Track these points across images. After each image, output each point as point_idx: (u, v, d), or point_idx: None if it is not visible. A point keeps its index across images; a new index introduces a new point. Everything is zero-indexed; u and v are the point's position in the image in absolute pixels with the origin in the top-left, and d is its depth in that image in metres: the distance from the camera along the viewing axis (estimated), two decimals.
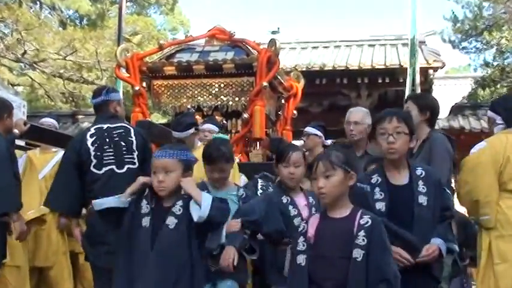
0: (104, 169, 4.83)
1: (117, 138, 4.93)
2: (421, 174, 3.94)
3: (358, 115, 5.87)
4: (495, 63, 21.68)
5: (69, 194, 4.96)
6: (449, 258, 4.92)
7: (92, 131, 4.96)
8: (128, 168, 4.88)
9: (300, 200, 4.50)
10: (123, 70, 7.91)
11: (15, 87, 19.83)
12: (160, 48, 8.34)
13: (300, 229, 3.48)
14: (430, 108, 5.22)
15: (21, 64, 20.11)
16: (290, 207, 4.43)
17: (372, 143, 6.44)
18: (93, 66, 18.88)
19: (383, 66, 14.17)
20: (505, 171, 4.74)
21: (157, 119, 14.76)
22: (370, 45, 16.18)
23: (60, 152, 6.71)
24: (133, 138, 4.97)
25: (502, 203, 4.71)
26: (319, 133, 7.17)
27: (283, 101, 8.55)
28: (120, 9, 14.19)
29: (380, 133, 3.94)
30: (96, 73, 19.25)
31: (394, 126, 3.88)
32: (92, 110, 5.98)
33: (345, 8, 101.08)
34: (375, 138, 4.01)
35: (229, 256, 4.11)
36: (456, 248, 4.10)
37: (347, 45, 16.38)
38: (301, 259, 3.35)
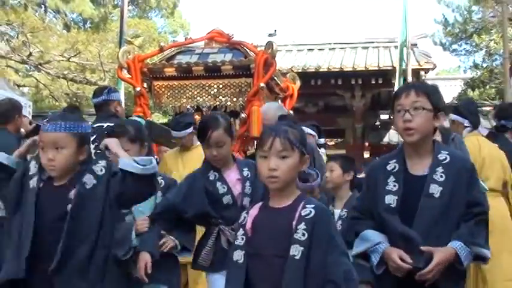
0: None
1: None
2: (445, 159, 3.08)
3: (271, 113, 5.40)
4: (484, 65, 21.80)
5: None
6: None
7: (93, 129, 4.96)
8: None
9: (231, 175, 3.83)
10: (125, 71, 7.87)
11: (21, 88, 19.89)
12: (161, 50, 8.31)
13: (240, 219, 2.85)
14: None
15: (27, 66, 20.16)
16: (218, 184, 3.78)
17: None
18: (96, 67, 18.86)
19: (376, 68, 14.18)
20: (482, 172, 4.78)
21: (158, 118, 14.74)
22: (363, 48, 16.19)
23: None
24: None
25: None
26: (313, 132, 7.18)
27: (279, 102, 8.53)
28: (122, 12, 14.17)
29: (396, 111, 3.14)
30: (99, 74, 19.23)
31: (412, 101, 3.06)
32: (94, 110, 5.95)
33: (340, 11, 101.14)
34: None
35: (141, 265, 3.63)
36: (488, 254, 3.06)
37: (341, 48, 16.39)
38: (238, 255, 2.74)
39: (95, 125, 5.01)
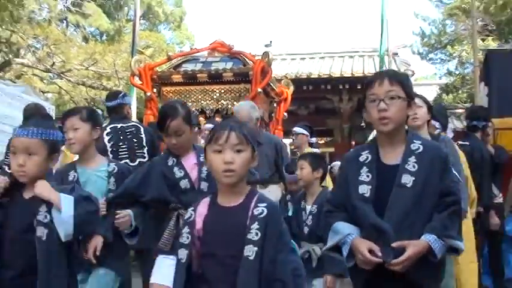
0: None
1: (129, 136, 4.92)
2: (418, 149, 2.75)
3: (243, 112, 5.18)
4: (457, 72, 21.84)
5: None
6: (451, 261, 3.88)
7: (108, 129, 4.96)
8: (139, 161, 4.87)
9: (190, 159, 3.54)
10: (137, 78, 7.85)
11: (45, 94, 19.87)
12: (169, 59, 8.29)
13: (186, 216, 2.54)
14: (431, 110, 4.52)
15: (51, 74, 20.20)
16: (175, 169, 3.47)
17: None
18: (112, 75, 18.82)
19: (361, 74, 14.15)
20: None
21: None
22: (350, 57, 16.17)
23: None
24: (143, 136, 4.97)
25: None
26: (306, 132, 7.18)
27: (275, 105, 8.49)
28: (134, 26, 14.15)
29: (370, 100, 2.79)
30: (114, 81, 19.19)
31: (386, 90, 2.74)
32: None
33: (329, 24, 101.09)
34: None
35: (92, 245, 3.40)
36: (461, 245, 2.73)
37: (330, 56, 16.37)
38: (182, 254, 2.44)
39: (110, 126, 4.99)
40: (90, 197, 2.92)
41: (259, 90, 7.23)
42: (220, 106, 7.63)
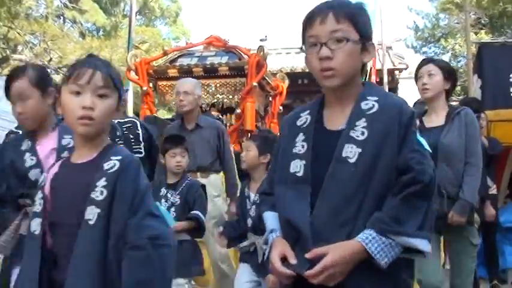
0: None
1: (126, 132, 4.87)
2: (371, 108, 1.90)
3: (188, 85, 4.90)
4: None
5: None
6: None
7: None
8: (136, 157, 4.83)
9: (47, 143, 2.74)
10: (133, 73, 7.81)
11: None
12: (165, 53, 8.24)
13: (40, 180, 2.03)
14: (453, 76, 3.88)
15: (48, 70, 20.07)
16: (27, 155, 2.69)
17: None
18: None
19: None
20: None
21: (163, 114, 14.67)
22: None
23: None
24: (140, 131, 4.91)
25: None
26: None
27: (270, 99, 8.47)
28: (130, 21, 14.06)
29: (309, 45, 1.94)
30: None
31: (330, 30, 1.88)
32: None
33: None
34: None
35: None
36: (422, 245, 1.79)
37: None
38: (35, 225, 1.91)
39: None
40: None
41: (255, 84, 7.20)
42: (215, 100, 7.61)
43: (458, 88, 19.73)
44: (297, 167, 1.92)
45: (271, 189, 2.10)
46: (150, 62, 7.90)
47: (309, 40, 1.94)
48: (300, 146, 1.95)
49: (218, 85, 7.57)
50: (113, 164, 1.87)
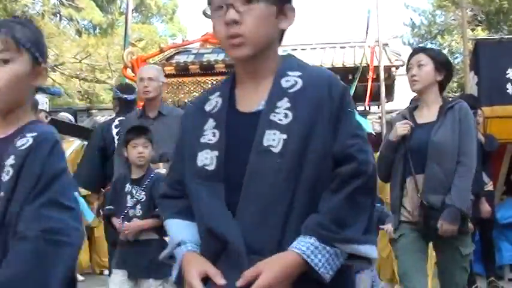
0: None
1: None
2: (293, 85, 1.57)
3: (152, 71, 4.73)
4: None
5: (91, 173, 4.97)
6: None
7: (117, 122, 4.98)
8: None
9: None
10: (130, 70, 7.80)
11: None
12: (161, 51, 8.25)
13: None
14: (446, 67, 3.57)
15: None
16: None
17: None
18: (105, 68, 18.83)
19: (352, 65, 14.11)
20: None
21: None
22: (341, 47, 16.10)
23: (76, 141, 6.62)
24: None
25: None
26: None
27: None
28: (126, 18, 14.02)
29: (214, 8, 1.61)
30: (107, 74, 19.17)
31: None
32: (103, 105, 5.90)
33: (320, 16, 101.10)
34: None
35: None
36: (369, 251, 1.51)
37: (322, 48, 16.30)
38: None
39: (119, 118, 5.01)
40: None
41: None
42: None
43: (455, 85, 19.78)
44: (207, 159, 1.55)
45: (173, 190, 1.73)
46: (147, 60, 7.91)
47: (214, 3, 1.59)
48: (211, 134, 1.58)
49: (214, 82, 7.58)
50: (25, 140, 1.56)
